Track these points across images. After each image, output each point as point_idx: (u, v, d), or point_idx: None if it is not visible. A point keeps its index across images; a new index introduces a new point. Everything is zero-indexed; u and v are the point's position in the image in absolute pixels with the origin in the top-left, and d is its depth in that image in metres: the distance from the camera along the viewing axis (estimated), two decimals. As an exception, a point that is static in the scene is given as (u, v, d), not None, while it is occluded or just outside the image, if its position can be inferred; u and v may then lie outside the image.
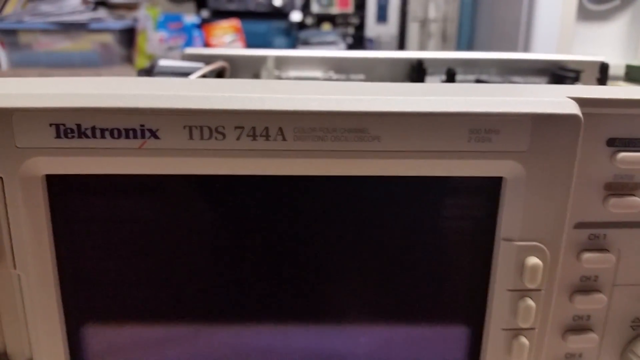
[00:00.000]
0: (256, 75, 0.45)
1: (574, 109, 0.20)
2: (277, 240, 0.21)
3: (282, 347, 0.23)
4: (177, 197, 0.21)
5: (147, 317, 0.22)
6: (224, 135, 0.19)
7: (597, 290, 0.24)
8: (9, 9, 0.84)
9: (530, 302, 0.21)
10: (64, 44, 0.87)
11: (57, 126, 0.19)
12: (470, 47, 1.28)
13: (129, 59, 0.92)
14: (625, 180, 0.22)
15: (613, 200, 0.22)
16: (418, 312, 0.23)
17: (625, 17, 1.00)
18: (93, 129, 0.19)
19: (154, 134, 0.19)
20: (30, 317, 0.21)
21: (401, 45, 1.26)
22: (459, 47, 1.28)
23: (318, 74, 0.48)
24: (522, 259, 0.21)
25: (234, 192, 0.21)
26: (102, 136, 0.19)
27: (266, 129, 0.19)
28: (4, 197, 0.19)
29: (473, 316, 0.22)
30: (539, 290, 0.21)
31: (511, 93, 0.20)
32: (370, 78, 0.49)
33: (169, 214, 0.21)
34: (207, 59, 0.42)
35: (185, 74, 0.38)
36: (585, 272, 0.23)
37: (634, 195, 0.22)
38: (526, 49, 1.03)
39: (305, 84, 0.22)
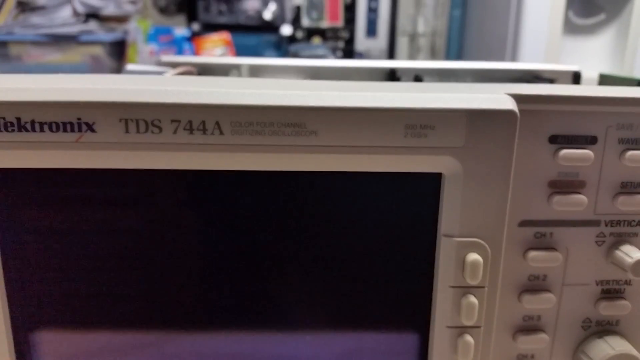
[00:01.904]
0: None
1: (509, 104, 0.20)
2: (215, 238, 0.21)
3: (235, 354, 0.23)
4: (118, 193, 0.21)
5: (95, 322, 0.22)
6: (160, 129, 0.19)
7: (546, 290, 0.23)
8: (0, 21, 0.86)
9: (473, 299, 0.21)
10: (54, 56, 0.87)
11: (-3, 119, 0.19)
12: (459, 60, 1.29)
13: (119, 71, 0.93)
14: (570, 178, 0.22)
15: (557, 198, 0.22)
16: (363, 313, 0.23)
17: (611, 31, 1.00)
18: (32, 122, 0.19)
19: (90, 128, 0.19)
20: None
21: (390, 59, 1.27)
22: (447, 60, 1.29)
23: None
24: (463, 255, 0.21)
25: (173, 187, 0.21)
26: (42, 130, 0.19)
27: (203, 122, 0.19)
28: (-58, 190, 0.19)
29: (419, 314, 0.22)
30: (482, 287, 0.21)
31: (450, 90, 0.21)
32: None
33: (110, 212, 0.21)
34: (181, 65, 0.43)
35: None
36: (532, 271, 0.23)
37: (579, 193, 0.22)
38: (514, 62, 1.04)
39: (250, 80, 0.22)
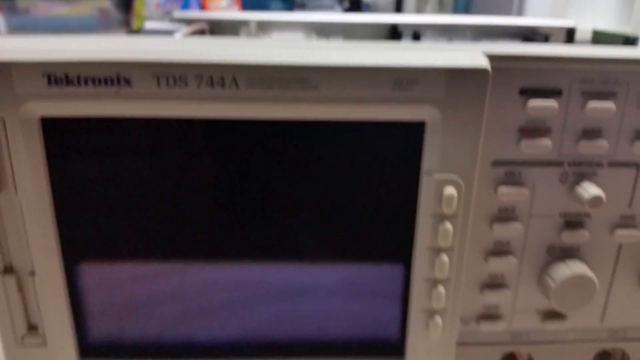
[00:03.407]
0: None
1: (483, 63, 0.23)
2: (231, 179, 0.25)
3: (250, 282, 0.28)
4: (151, 139, 0.25)
5: (128, 253, 0.27)
6: (186, 84, 0.23)
7: (515, 220, 0.27)
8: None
9: (449, 225, 0.25)
10: (62, 9, 0.89)
11: (49, 76, 0.23)
12: (466, 13, 1.29)
13: (126, 24, 0.95)
14: (537, 125, 0.26)
15: (525, 142, 0.26)
16: (359, 241, 0.27)
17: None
18: (78, 77, 0.23)
19: (127, 82, 0.23)
20: (31, 236, 0.25)
21: (398, 11, 1.27)
22: (455, 12, 1.28)
23: (299, 37, 0.51)
24: (441, 189, 0.25)
25: (197, 134, 0.25)
26: (86, 84, 0.23)
27: (222, 78, 0.23)
28: (6, 135, 0.23)
29: (405, 239, 0.26)
30: (456, 215, 0.25)
31: (433, 49, 0.24)
32: (348, 39, 0.52)
33: (144, 155, 0.25)
34: (194, 22, 0.46)
35: (168, 32, 0.42)
36: (502, 204, 0.27)
37: (545, 137, 0.26)
38: (519, 17, 1.05)
39: (262, 41, 0.26)
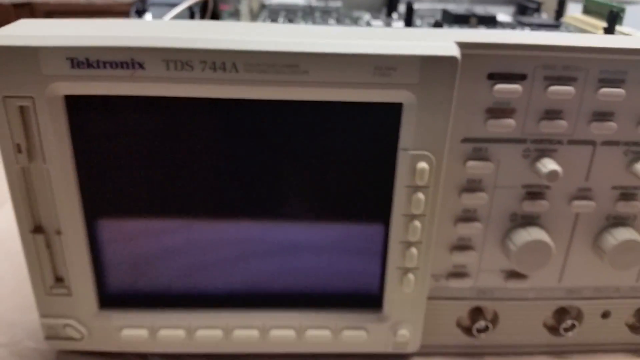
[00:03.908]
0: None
1: (453, 51, 0.26)
2: (234, 150, 0.29)
3: (249, 239, 0.31)
4: (162, 114, 0.28)
5: (140, 210, 0.30)
6: (192, 67, 0.26)
7: (481, 190, 0.31)
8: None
9: (421, 195, 0.29)
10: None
11: (72, 60, 0.26)
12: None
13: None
14: (503, 107, 0.29)
15: (491, 122, 0.29)
16: (345, 208, 0.31)
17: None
18: (98, 61, 0.26)
19: (141, 66, 0.26)
20: (57, 199, 0.29)
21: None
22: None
23: (301, 1, 0.54)
24: (415, 163, 0.28)
25: (201, 111, 0.28)
26: (104, 67, 0.26)
27: (223, 63, 0.26)
28: (35, 112, 0.27)
29: (384, 206, 0.30)
30: (427, 187, 0.29)
31: (409, 38, 0.27)
32: (347, 5, 0.55)
33: (157, 127, 0.28)
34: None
35: (173, 4, 0.45)
36: (470, 176, 0.31)
37: (510, 117, 0.29)
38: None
39: (259, 25, 0.29)
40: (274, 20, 0.48)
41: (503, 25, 0.47)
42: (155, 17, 0.53)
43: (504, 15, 0.52)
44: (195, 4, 0.48)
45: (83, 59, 0.26)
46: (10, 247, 0.45)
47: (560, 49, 0.28)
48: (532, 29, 0.46)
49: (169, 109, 0.28)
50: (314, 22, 0.47)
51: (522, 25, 0.47)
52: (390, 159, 0.29)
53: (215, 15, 0.54)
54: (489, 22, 0.46)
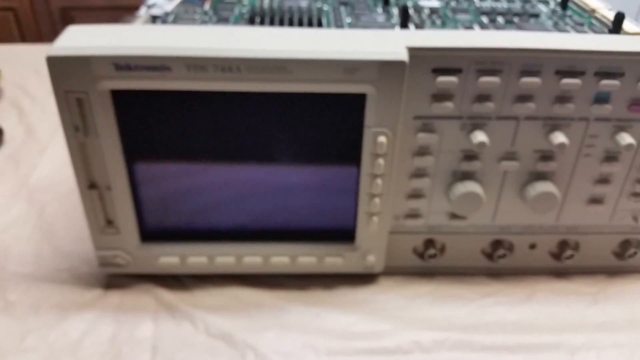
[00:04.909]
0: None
1: (403, 56, 0.35)
2: (240, 124, 0.38)
3: (251, 180, 0.41)
4: (186, 102, 0.37)
5: (176, 161, 0.40)
6: (206, 70, 0.35)
7: (429, 154, 0.41)
8: None
9: (381, 160, 0.38)
10: None
11: (116, 64, 0.34)
12: None
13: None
14: (444, 93, 0.38)
15: (435, 104, 0.38)
16: (327, 159, 0.40)
17: None
18: (136, 65, 0.35)
19: (168, 69, 0.35)
20: (108, 162, 0.38)
21: None
22: None
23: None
24: (376, 137, 0.38)
25: (214, 100, 0.37)
26: (141, 69, 0.35)
27: (230, 66, 0.35)
28: (90, 102, 0.36)
29: (355, 167, 0.40)
30: (386, 154, 0.38)
31: (371, 43, 0.35)
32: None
33: (183, 113, 0.37)
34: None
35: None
36: (420, 144, 0.40)
37: (449, 101, 0.38)
38: None
39: (257, 31, 0.37)
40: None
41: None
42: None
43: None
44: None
45: (124, 64, 0.34)
46: (57, 190, 0.56)
47: (488, 50, 0.36)
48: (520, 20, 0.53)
49: (189, 99, 0.37)
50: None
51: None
52: (358, 134, 0.38)
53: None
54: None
